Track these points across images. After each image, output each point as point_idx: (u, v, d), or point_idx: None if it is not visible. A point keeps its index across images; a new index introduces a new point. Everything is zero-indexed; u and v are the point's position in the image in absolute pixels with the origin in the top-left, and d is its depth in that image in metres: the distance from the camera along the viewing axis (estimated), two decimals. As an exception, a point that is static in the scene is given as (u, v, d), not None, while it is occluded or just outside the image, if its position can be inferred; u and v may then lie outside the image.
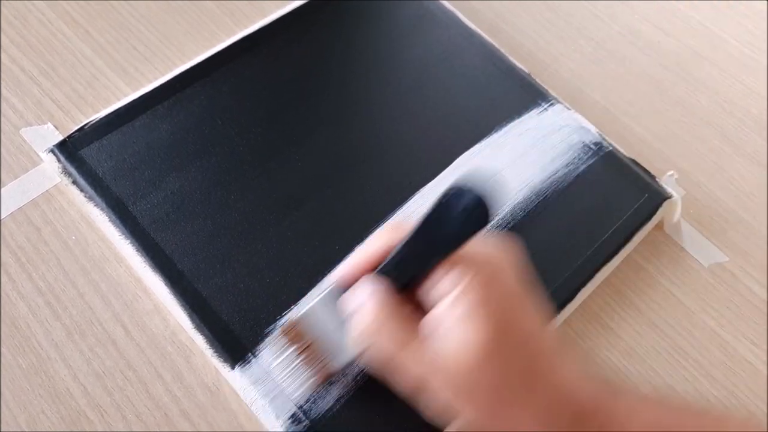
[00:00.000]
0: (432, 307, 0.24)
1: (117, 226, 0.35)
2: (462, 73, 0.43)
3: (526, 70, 0.44)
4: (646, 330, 0.37)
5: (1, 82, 0.40)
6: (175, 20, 0.45)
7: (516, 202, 0.38)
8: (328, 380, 0.30)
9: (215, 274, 0.34)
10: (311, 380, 0.30)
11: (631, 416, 0.23)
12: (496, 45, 0.45)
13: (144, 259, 0.34)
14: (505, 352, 0.23)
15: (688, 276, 0.39)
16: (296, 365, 0.30)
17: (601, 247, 0.37)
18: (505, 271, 0.24)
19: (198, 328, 0.33)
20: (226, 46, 0.42)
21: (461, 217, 0.22)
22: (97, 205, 0.36)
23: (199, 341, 0.33)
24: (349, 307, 0.26)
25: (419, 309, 0.25)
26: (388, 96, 0.42)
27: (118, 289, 0.35)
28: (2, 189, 0.37)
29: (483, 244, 0.24)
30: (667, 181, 0.41)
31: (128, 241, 0.35)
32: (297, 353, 0.29)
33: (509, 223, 0.37)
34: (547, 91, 0.43)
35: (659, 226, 0.40)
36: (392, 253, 0.25)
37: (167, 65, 0.43)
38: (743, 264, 0.40)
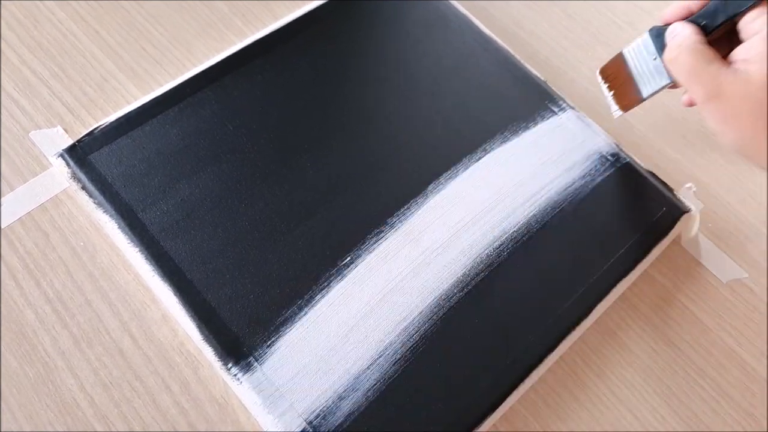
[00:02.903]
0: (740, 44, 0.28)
1: (126, 233, 0.34)
2: (476, 79, 0.43)
3: (542, 77, 0.43)
4: (662, 347, 0.36)
5: (12, 83, 0.40)
6: (185, 20, 0.44)
7: (531, 214, 0.38)
8: (632, 108, 0.36)
9: (225, 284, 0.34)
10: (617, 107, 0.37)
11: None
12: (512, 51, 0.44)
13: (153, 268, 0.34)
14: None
15: (705, 292, 0.38)
16: (608, 97, 0.37)
17: (617, 262, 0.37)
18: None
19: (207, 339, 0.32)
20: (238, 49, 0.41)
21: None
22: (106, 211, 0.35)
23: (207, 353, 0.32)
24: (666, 38, 0.32)
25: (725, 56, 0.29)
26: (402, 102, 0.41)
27: (126, 297, 0.34)
28: (11, 193, 0.37)
29: None
30: (685, 194, 0.40)
31: (137, 249, 0.34)
32: (609, 89, 0.37)
33: (524, 236, 0.37)
34: (563, 99, 0.42)
35: (677, 240, 0.40)
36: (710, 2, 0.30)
37: (177, 68, 0.42)
38: (762, 280, 0.39)
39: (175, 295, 0.33)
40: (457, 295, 0.35)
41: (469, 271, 0.35)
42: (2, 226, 0.35)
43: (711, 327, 0.37)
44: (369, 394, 0.31)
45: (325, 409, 0.31)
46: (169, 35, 0.43)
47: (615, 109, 0.37)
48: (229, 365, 0.32)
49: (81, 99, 0.40)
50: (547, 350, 0.34)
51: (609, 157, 0.40)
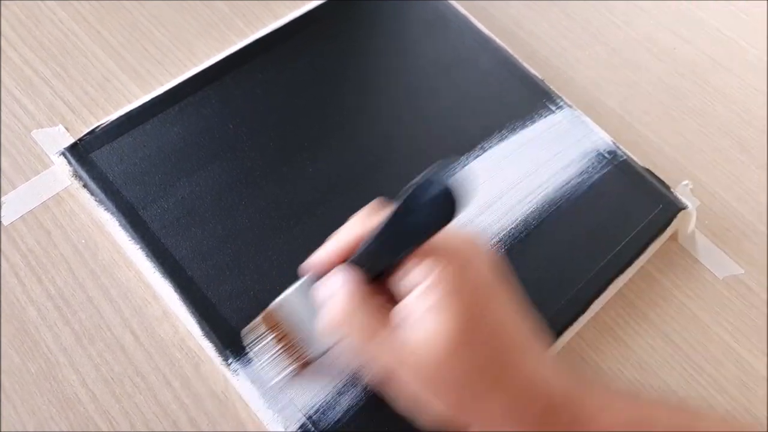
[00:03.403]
0: (403, 296, 0.24)
1: (127, 230, 0.35)
2: (475, 78, 0.43)
3: (540, 77, 0.44)
4: (659, 343, 0.36)
5: (14, 82, 0.40)
6: (185, 20, 0.45)
7: (529, 211, 0.38)
8: (306, 369, 0.30)
9: (225, 281, 0.34)
10: (289, 369, 0.29)
11: (603, 410, 0.23)
12: (510, 51, 0.44)
13: (154, 265, 0.34)
14: (473, 345, 0.22)
15: (702, 288, 0.38)
16: (275, 353, 0.29)
17: (615, 259, 0.37)
18: (477, 262, 0.24)
19: (207, 335, 0.33)
20: (238, 49, 0.42)
21: (429, 208, 0.22)
22: (107, 209, 0.35)
23: (208, 348, 0.33)
24: (320, 297, 0.26)
25: (392, 299, 0.25)
26: (401, 101, 0.42)
27: (127, 294, 0.35)
28: (13, 191, 0.37)
29: (454, 236, 0.24)
30: (682, 191, 0.40)
31: (138, 246, 0.34)
32: (276, 342, 0.29)
33: (522, 232, 0.37)
34: (561, 98, 0.42)
35: (673, 237, 0.40)
36: (363, 244, 0.25)
37: (178, 67, 0.42)
38: (759, 276, 0.39)
39: (176, 291, 0.33)
40: (456, 291, 0.35)
41: (467, 267, 0.36)
42: (5, 224, 0.36)
43: (708, 323, 0.37)
44: (368, 389, 0.32)
45: (324, 404, 0.31)
46: (170, 35, 0.44)
47: (288, 372, 0.29)
48: (229, 360, 0.32)
49: (82, 98, 0.40)
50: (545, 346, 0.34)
51: (606, 155, 0.40)
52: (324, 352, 0.29)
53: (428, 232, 0.23)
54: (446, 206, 0.22)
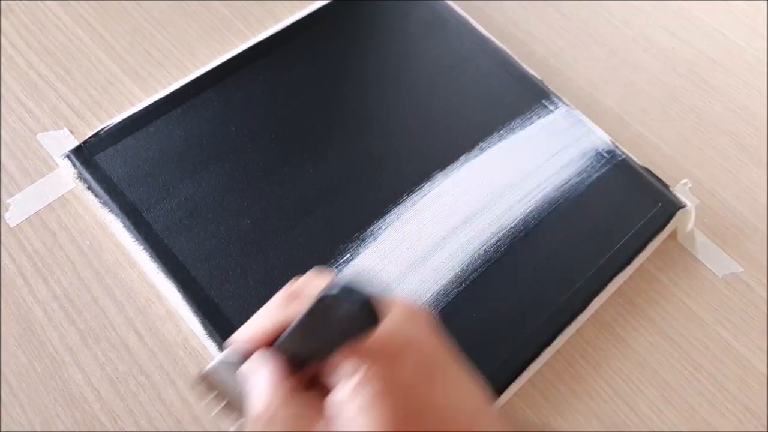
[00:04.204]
0: (333, 386, 0.22)
1: (131, 231, 0.35)
2: (474, 79, 0.43)
3: (539, 77, 0.44)
4: (659, 341, 0.37)
5: (20, 86, 0.41)
6: (187, 23, 0.45)
7: (528, 210, 0.38)
8: None
9: (228, 281, 0.34)
10: (237, 424, 0.26)
11: None
12: (509, 51, 0.45)
13: (157, 265, 0.34)
14: None
15: (701, 286, 0.39)
16: (216, 411, 0.26)
17: (614, 257, 0.37)
18: (410, 353, 0.22)
19: (210, 334, 0.33)
20: (240, 51, 0.42)
21: (344, 322, 0.20)
22: (111, 210, 0.36)
23: (211, 348, 0.33)
24: (244, 383, 0.24)
25: (320, 384, 0.23)
26: (401, 103, 0.42)
27: (131, 294, 0.35)
28: (19, 193, 0.37)
29: (384, 325, 0.21)
30: (681, 190, 0.41)
31: (142, 247, 0.35)
32: (217, 400, 0.26)
33: (521, 231, 0.37)
34: (559, 98, 0.43)
35: (672, 235, 0.40)
36: (285, 333, 0.23)
37: (180, 70, 0.43)
38: (758, 274, 0.39)
39: (179, 291, 0.34)
40: (455, 290, 0.35)
41: (466, 266, 0.36)
42: (11, 226, 0.36)
43: (707, 321, 0.38)
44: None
45: None
46: (171, 38, 0.44)
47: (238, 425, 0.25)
48: (232, 359, 0.32)
49: (86, 101, 0.41)
50: (544, 344, 0.35)
51: (605, 154, 0.41)
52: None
53: (346, 342, 0.21)
54: (364, 319, 0.20)
